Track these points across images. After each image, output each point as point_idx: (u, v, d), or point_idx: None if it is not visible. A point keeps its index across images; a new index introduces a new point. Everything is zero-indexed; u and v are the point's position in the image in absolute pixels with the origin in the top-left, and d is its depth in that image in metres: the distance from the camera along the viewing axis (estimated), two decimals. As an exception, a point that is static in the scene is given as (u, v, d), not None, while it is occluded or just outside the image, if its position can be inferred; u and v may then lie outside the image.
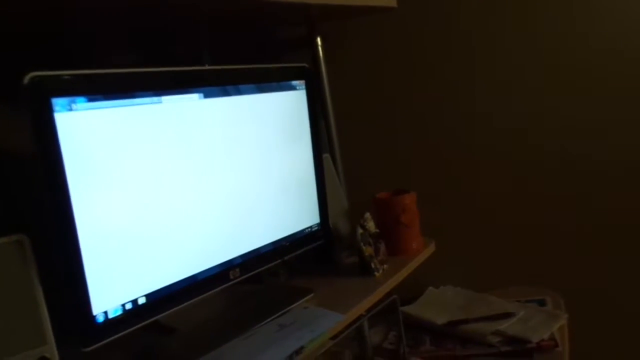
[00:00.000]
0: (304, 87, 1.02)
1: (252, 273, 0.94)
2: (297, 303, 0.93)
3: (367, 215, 1.10)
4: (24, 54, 0.85)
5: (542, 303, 1.25)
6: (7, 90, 0.82)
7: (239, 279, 0.92)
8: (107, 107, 0.70)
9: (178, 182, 0.80)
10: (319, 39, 1.24)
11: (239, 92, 0.89)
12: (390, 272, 1.06)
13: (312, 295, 0.96)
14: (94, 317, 0.70)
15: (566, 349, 1.07)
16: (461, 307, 1.26)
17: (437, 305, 1.29)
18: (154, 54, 1.09)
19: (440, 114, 1.37)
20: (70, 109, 0.66)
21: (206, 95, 0.84)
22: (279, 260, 1.00)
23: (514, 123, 1.33)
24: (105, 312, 0.72)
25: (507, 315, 1.16)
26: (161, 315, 0.79)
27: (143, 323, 0.76)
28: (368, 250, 1.06)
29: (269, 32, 1.34)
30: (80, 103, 0.67)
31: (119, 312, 0.73)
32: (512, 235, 1.37)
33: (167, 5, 0.79)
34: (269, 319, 0.87)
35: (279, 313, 0.89)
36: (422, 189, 1.20)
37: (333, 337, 0.92)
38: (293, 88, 1.00)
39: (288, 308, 0.91)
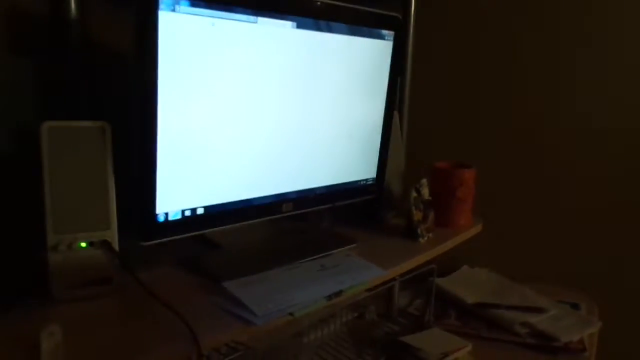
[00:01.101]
0: (392, 38, 0.99)
1: (303, 210, 0.95)
2: (341, 249, 0.94)
3: (424, 181, 1.09)
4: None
5: (575, 307, 1.23)
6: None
7: (290, 213, 0.93)
8: (206, 16, 0.70)
9: (256, 104, 0.80)
10: (413, -7, 1.19)
11: (330, 30, 0.87)
12: (434, 242, 1.06)
13: (355, 245, 0.97)
14: (156, 215, 0.73)
15: (593, 355, 1.06)
16: (493, 292, 1.25)
17: (469, 285, 1.28)
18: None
19: (524, 97, 1.31)
20: (173, 10, 0.66)
21: (299, 26, 0.82)
22: (330, 205, 1.01)
23: (590, 110, 1.26)
24: (166, 214, 0.75)
25: (538, 310, 1.15)
26: (214, 229, 0.82)
27: (197, 232, 0.79)
28: (417, 215, 1.05)
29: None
30: (183, 5, 0.67)
31: (178, 217, 0.76)
32: (560, 234, 1.33)
33: None
34: (311, 257, 0.88)
35: (323, 254, 0.90)
36: (483, 167, 1.17)
37: (368, 290, 0.93)
38: (382, 37, 0.98)
39: (331, 252, 0.92)
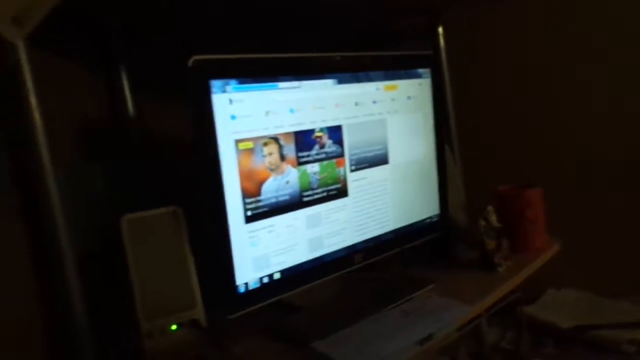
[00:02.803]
0: (429, 75, 1.01)
1: (375, 259, 0.95)
2: (420, 291, 0.92)
3: (490, 208, 1.06)
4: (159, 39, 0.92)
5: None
6: (157, 76, 0.90)
7: (362, 264, 0.93)
8: (254, 90, 0.74)
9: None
10: (440, 28, 1.22)
11: (369, 79, 0.90)
12: (513, 269, 1.01)
13: (433, 285, 0.95)
14: (236, 287, 0.75)
15: None
16: (587, 312, 1.17)
17: (561, 308, 1.21)
18: (270, 42, 1.12)
19: (557, 110, 1.29)
20: (224, 91, 0.71)
21: (339, 82, 0.86)
22: (399, 249, 1.00)
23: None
24: (246, 284, 0.76)
25: (644, 324, 1.07)
26: (293, 291, 0.83)
27: (278, 297, 0.80)
28: (491, 244, 1.02)
29: (387, 22, 1.34)
30: (233, 85, 0.72)
31: (257, 285, 0.77)
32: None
33: None
34: (392, 305, 0.87)
35: (403, 300, 0.88)
36: (548, 186, 1.14)
37: (456, 330, 0.90)
38: (419, 76, 0.99)
39: (411, 296, 0.90)
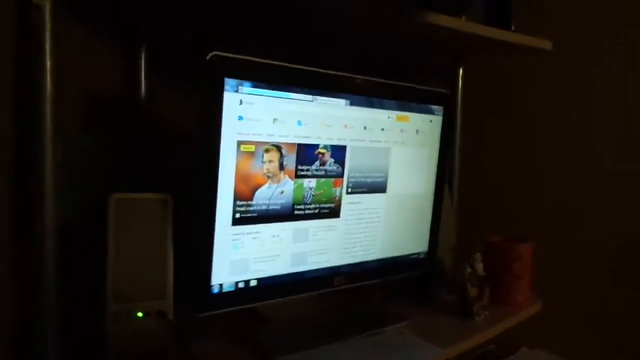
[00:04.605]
0: (442, 113, 1.01)
1: (354, 284, 0.94)
2: (393, 326, 0.91)
3: (478, 255, 1.05)
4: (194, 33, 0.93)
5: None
6: (176, 63, 0.90)
7: (341, 287, 0.92)
8: (267, 95, 0.74)
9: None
10: (461, 70, 1.23)
11: (382, 106, 0.90)
12: (491, 321, 1.01)
13: (407, 322, 0.94)
14: (210, 286, 0.74)
15: None
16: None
17: (530, 369, 1.19)
18: (298, 56, 1.13)
19: (567, 169, 1.29)
20: (237, 91, 0.71)
21: (352, 103, 0.86)
22: (381, 279, 0.99)
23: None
24: (221, 285, 0.75)
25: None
26: (267, 302, 0.82)
27: (250, 305, 0.79)
28: (473, 292, 1.01)
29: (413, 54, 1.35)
30: (246, 87, 0.72)
31: (232, 288, 0.76)
32: (626, 313, 1.24)
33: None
34: (364, 334, 0.86)
35: (375, 331, 0.87)
36: (542, 243, 1.13)
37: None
38: (431, 112, 1.00)
39: (384, 329, 0.89)
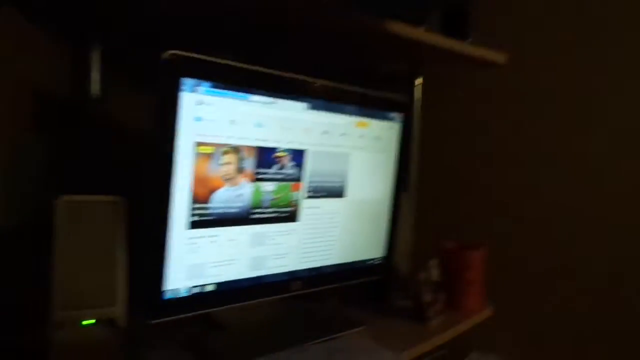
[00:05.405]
0: (400, 121, 1.03)
1: (312, 290, 0.93)
2: (350, 331, 0.91)
3: (433, 261, 1.07)
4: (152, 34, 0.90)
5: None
6: (130, 63, 0.87)
7: (298, 292, 0.91)
8: (225, 97, 0.73)
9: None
10: (419, 79, 1.25)
11: (341, 111, 0.91)
12: (444, 326, 1.02)
13: (364, 327, 0.94)
14: (163, 292, 0.71)
15: None
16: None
17: (481, 373, 1.22)
18: (253, 54, 1.12)
19: (522, 179, 1.33)
20: (194, 91, 0.69)
21: (312, 107, 0.85)
22: (338, 284, 0.99)
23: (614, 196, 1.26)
24: (175, 291, 0.73)
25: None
26: (223, 307, 0.80)
27: (206, 310, 0.77)
28: (427, 297, 1.03)
29: (370, 65, 1.37)
30: (204, 87, 0.70)
31: (187, 294, 0.74)
32: (577, 319, 1.29)
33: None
34: (320, 340, 0.85)
35: (331, 336, 0.87)
36: (494, 247, 1.16)
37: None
38: (390, 119, 1.01)
39: (340, 334, 0.89)
